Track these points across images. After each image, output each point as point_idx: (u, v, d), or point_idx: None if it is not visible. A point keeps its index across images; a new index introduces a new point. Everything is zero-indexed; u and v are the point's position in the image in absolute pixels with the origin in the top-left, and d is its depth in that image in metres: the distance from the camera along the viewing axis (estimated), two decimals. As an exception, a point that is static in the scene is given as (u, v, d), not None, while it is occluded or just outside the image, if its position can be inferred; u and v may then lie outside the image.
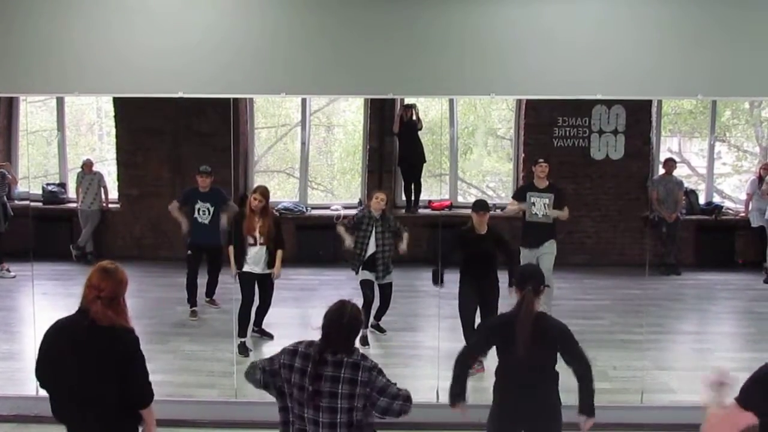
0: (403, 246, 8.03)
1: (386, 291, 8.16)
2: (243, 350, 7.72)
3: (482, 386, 7.14)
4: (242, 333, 7.81)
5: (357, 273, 8.10)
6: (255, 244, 7.82)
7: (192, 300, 9.01)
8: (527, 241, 8.62)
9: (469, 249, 7.47)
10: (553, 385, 4.72)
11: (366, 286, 7.99)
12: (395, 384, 4.00)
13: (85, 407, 4.02)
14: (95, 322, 3.98)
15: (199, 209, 8.95)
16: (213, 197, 8.96)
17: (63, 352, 4.02)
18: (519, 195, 8.93)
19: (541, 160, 8.84)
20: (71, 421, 4.13)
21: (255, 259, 7.85)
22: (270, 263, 7.90)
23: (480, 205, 7.52)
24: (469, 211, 7.65)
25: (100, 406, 4.01)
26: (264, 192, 7.88)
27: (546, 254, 8.55)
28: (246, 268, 7.85)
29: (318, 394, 3.86)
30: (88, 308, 4.02)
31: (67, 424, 4.16)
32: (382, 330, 8.33)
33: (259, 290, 7.98)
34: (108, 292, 4.03)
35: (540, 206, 8.53)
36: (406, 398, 3.96)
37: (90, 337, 3.98)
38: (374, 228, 7.93)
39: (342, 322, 3.98)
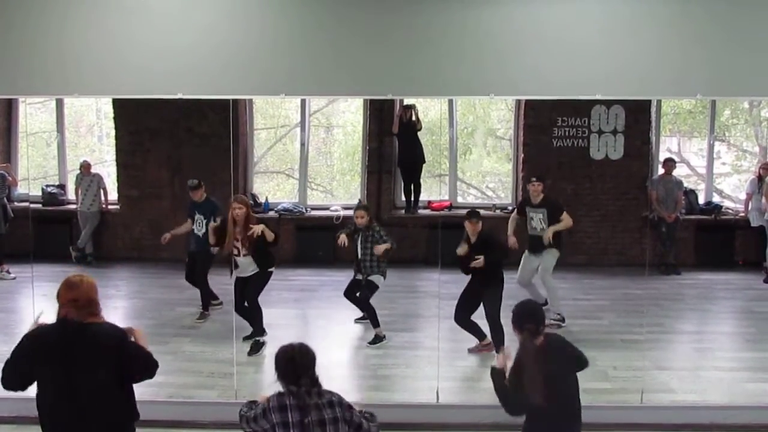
0: (379, 249, 8.09)
1: (365, 287, 8.20)
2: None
3: (480, 387, 7.17)
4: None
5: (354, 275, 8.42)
6: (239, 255, 7.83)
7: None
8: (529, 249, 8.70)
9: (464, 255, 7.65)
10: (578, 411, 4.60)
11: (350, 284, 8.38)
12: (364, 415, 4.12)
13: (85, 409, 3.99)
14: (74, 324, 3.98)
15: (196, 220, 8.93)
16: (205, 208, 8.85)
17: (53, 357, 3.99)
18: (520, 208, 9.00)
19: (534, 179, 8.76)
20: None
21: (242, 267, 7.89)
22: (258, 263, 7.88)
23: (470, 214, 7.73)
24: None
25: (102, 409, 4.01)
26: (240, 200, 7.88)
27: (547, 257, 8.57)
28: (236, 274, 7.91)
29: None
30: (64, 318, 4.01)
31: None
32: (364, 319, 8.48)
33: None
34: (80, 300, 4.03)
35: (537, 221, 8.57)
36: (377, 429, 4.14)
37: (76, 337, 3.97)
38: (359, 237, 8.21)
39: (295, 362, 3.99)
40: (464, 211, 8.04)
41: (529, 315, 4.51)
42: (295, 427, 3.90)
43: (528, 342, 4.41)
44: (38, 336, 4.09)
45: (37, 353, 4.03)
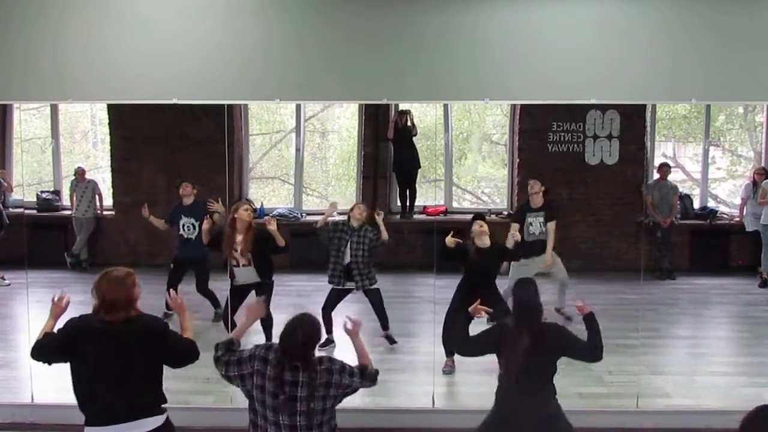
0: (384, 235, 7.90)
1: (373, 298, 8.03)
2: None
3: (479, 392, 7.15)
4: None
5: (335, 284, 8.06)
6: (238, 266, 7.67)
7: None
8: (527, 254, 8.56)
9: (470, 261, 7.46)
10: (553, 395, 4.78)
11: (331, 295, 8.07)
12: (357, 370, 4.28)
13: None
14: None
15: (183, 225, 8.82)
16: (196, 212, 8.72)
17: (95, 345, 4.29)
18: (518, 216, 8.90)
19: (531, 180, 8.81)
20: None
21: (243, 277, 7.70)
22: (259, 274, 7.72)
23: (477, 215, 7.61)
24: (463, 216, 7.68)
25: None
26: (246, 206, 7.81)
27: (557, 269, 8.70)
28: (236, 283, 7.71)
29: (277, 396, 4.10)
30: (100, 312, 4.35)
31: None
32: (392, 341, 8.17)
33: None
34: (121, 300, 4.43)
35: (536, 225, 8.56)
36: (373, 378, 4.32)
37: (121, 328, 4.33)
38: (350, 238, 7.91)
39: (297, 340, 4.11)
40: (459, 216, 7.99)
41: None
42: (269, 380, 4.10)
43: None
44: (85, 321, 4.40)
45: (83, 335, 4.32)
